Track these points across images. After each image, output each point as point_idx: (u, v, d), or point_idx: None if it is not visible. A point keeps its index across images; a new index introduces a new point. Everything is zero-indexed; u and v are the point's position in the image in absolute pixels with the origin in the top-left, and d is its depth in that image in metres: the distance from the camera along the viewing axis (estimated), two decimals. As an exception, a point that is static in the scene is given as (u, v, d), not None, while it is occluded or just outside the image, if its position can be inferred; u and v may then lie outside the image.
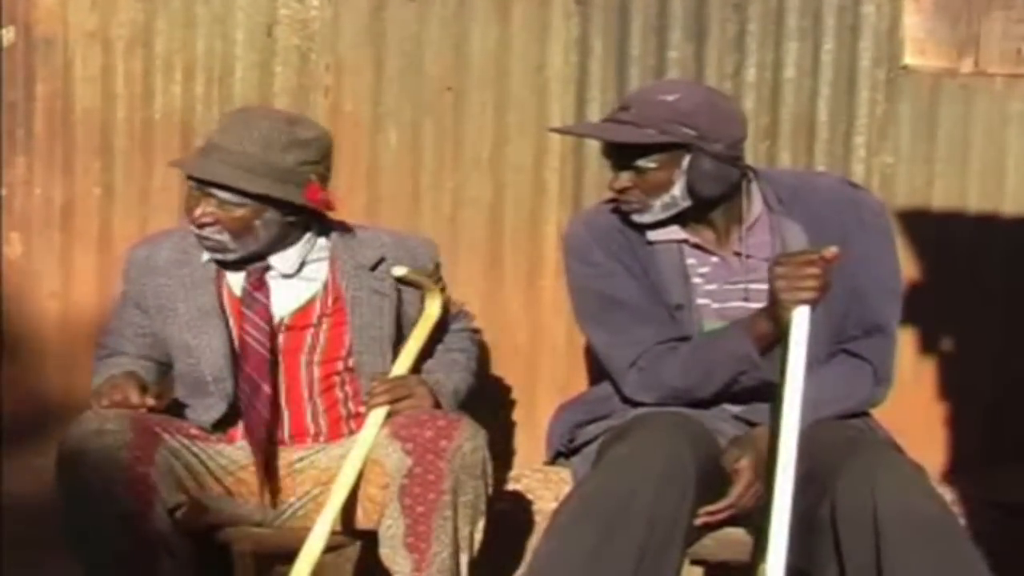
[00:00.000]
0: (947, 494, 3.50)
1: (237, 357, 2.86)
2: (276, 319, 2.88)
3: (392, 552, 2.71)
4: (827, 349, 2.80)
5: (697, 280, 2.85)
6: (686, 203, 2.78)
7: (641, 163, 2.76)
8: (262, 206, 2.81)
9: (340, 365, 2.93)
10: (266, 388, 2.83)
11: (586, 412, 2.98)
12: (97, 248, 4.25)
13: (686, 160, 2.74)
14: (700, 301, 2.84)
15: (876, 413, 2.91)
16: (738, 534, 2.76)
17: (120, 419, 2.66)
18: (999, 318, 4.17)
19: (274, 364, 2.86)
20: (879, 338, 2.82)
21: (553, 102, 4.16)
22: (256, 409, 2.82)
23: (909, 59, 4.14)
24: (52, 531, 2.69)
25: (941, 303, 4.11)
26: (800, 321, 2.46)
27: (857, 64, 4.13)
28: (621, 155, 2.80)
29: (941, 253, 4.13)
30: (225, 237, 2.81)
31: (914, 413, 3.91)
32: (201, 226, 2.81)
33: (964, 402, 4.18)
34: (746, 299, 2.80)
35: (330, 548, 2.75)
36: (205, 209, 2.79)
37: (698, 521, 2.61)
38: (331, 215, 2.99)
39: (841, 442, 2.62)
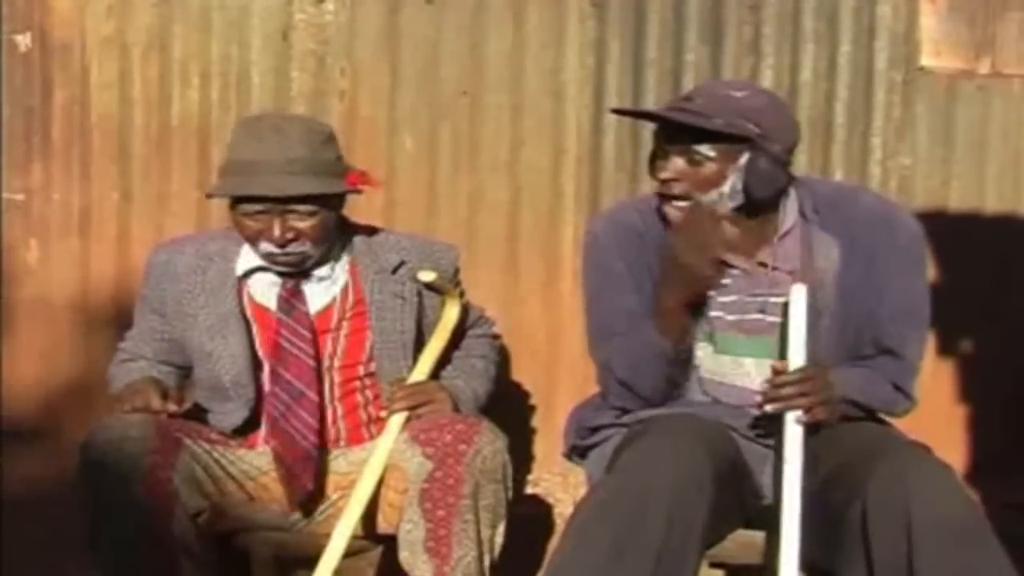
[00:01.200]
0: (968, 496, 3.50)
1: (259, 363, 2.87)
2: None
3: (412, 556, 2.71)
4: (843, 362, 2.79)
5: (710, 292, 2.83)
6: (733, 203, 2.73)
7: (699, 150, 2.70)
8: (328, 207, 2.80)
9: (361, 370, 2.93)
10: (312, 395, 2.83)
11: (600, 413, 2.96)
12: (115, 253, 4.26)
13: (744, 157, 2.69)
14: (712, 314, 2.82)
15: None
16: (758, 536, 2.75)
17: (143, 425, 2.66)
18: (1018, 319, 4.17)
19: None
20: (893, 360, 2.80)
21: (569, 105, 4.17)
22: (300, 416, 2.82)
23: (925, 61, 4.13)
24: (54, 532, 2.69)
25: (959, 304, 4.09)
26: (798, 299, 2.53)
27: (873, 66, 4.13)
28: (678, 140, 2.73)
29: (959, 254, 4.12)
30: (307, 247, 2.79)
31: (933, 414, 3.89)
32: (285, 244, 2.77)
33: (983, 403, 4.18)
34: (763, 311, 2.78)
35: (351, 552, 2.75)
36: (287, 225, 2.76)
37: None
38: (352, 219, 2.99)
39: (871, 442, 2.61)
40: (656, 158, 2.79)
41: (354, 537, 2.71)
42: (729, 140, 2.69)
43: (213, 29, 4.21)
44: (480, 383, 3.06)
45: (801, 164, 4.10)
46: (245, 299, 2.90)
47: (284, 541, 2.87)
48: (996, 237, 4.16)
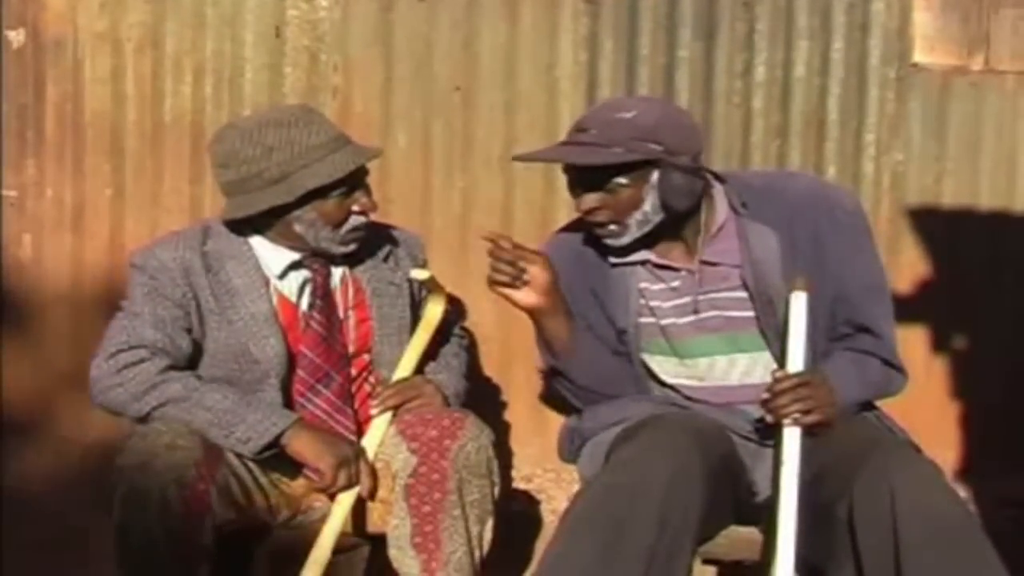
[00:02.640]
0: (961, 493, 3.49)
1: (292, 360, 2.82)
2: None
3: (400, 553, 2.71)
4: (823, 348, 2.78)
5: (655, 302, 2.82)
6: (658, 218, 2.73)
7: (610, 183, 2.70)
8: None
9: (366, 358, 2.93)
10: (342, 380, 2.85)
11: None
12: (108, 250, 4.25)
13: (655, 176, 2.69)
14: (663, 323, 2.83)
15: (890, 412, 2.90)
16: (751, 533, 2.76)
17: (192, 435, 2.60)
18: (1011, 316, 4.17)
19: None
20: (871, 337, 2.80)
21: (563, 101, 4.16)
22: (331, 401, 2.83)
23: (919, 57, 4.13)
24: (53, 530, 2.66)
25: (953, 301, 4.10)
26: (797, 306, 2.54)
27: (867, 62, 4.12)
28: (588, 177, 2.74)
29: (952, 251, 4.13)
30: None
31: (927, 411, 3.90)
32: (374, 209, 2.88)
33: (977, 400, 4.17)
34: (717, 307, 2.79)
35: (342, 549, 2.75)
36: (368, 195, 2.85)
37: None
38: None
39: (859, 440, 2.61)
40: (573, 191, 2.79)
41: (344, 534, 2.71)
42: (635, 164, 2.69)
43: (206, 25, 4.20)
44: (458, 380, 3.05)
45: (794, 160, 4.12)
46: (275, 297, 2.85)
47: (281, 537, 2.86)
48: (989, 233, 4.15)
